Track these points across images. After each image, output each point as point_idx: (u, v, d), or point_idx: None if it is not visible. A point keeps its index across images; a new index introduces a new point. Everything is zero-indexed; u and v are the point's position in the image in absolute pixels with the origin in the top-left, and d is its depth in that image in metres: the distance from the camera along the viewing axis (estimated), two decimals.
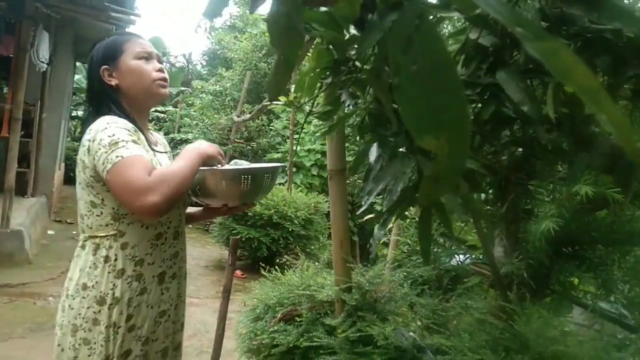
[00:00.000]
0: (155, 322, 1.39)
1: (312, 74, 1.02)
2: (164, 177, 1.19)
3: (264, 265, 3.68)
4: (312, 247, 6.49)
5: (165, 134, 13.43)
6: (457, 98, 0.34)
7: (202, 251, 7.05)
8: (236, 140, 8.72)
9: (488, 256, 2.03)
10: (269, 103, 6.48)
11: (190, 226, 8.55)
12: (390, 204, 0.78)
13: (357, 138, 1.34)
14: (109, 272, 1.31)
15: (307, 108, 1.17)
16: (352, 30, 0.90)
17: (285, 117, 9.75)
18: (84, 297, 1.31)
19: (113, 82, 1.41)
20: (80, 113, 13.88)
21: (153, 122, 13.93)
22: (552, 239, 1.89)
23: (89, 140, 1.28)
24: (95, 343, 1.29)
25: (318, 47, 0.89)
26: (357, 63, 0.91)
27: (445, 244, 2.77)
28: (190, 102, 12.53)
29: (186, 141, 10.22)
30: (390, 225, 3.07)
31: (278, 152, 9.60)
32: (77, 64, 10.98)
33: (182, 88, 15.95)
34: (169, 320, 1.44)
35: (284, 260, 5.73)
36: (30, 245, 5.29)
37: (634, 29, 0.73)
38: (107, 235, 1.32)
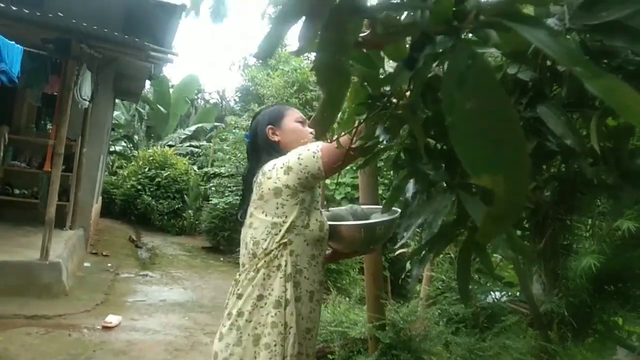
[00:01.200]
0: (303, 336, 1.55)
1: (347, 110, 1.04)
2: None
3: None
4: (343, 282, 6.42)
5: (199, 168, 13.71)
6: (514, 135, 0.34)
7: None
8: None
9: (526, 293, 1.97)
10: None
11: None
12: (430, 238, 0.77)
13: (392, 173, 1.35)
14: (280, 277, 1.51)
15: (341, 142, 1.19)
16: (387, 67, 0.91)
17: None
18: (261, 307, 1.50)
19: (276, 139, 1.71)
20: (118, 148, 14.33)
21: (188, 157, 14.25)
22: (593, 275, 1.83)
23: (282, 165, 1.55)
24: (275, 345, 1.46)
25: (355, 86, 0.91)
26: (393, 99, 0.92)
27: (481, 280, 2.70)
28: (223, 137, 12.81)
29: (219, 175, 10.39)
30: None
31: None
32: (116, 100, 11.41)
33: (216, 123, 16.34)
34: (311, 340, 1.59)
35: None
36: (67, 276, 5.41)
37: None
38: (279, 246, 1.53)
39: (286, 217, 1.54)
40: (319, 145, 1.52)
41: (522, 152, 0.33)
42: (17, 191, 7.00)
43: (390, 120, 0.95)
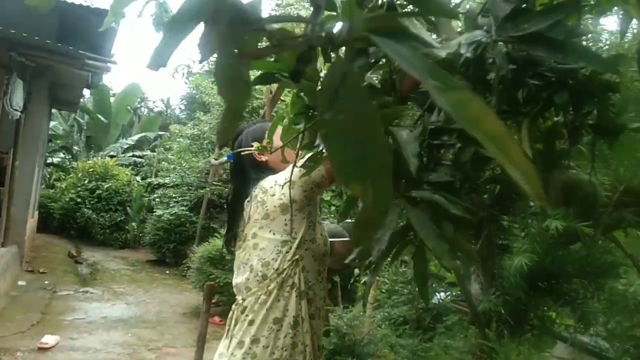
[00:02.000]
0: (317, 354, 1.53)
1: (287, 120, 1.04)
2: None
3: None
4: None
5: (143, 178, 13.30)
6: (379, 147, 0.36)
7: (179, 297, 6.88)
8: (214, 182, 8.69)
9: (465, 293, 2.03)
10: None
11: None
12: (379, 256, 0.78)
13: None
14: (296, 296, 1.47)
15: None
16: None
17: None
18: (278, 330, 1.45)
19: (263, 158, 1.65)
20: (55, 160, 13.70)
21: (131, 167, 13.81)
22: (527, 274, 1.90)
23: (285, 180, 1.49)
24: None
25: (293, 97, 0.91)
26: None
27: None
28: (168, 146, 12.51)
29: (163, 185, 10.12)
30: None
31: None
32: (53, 110, 10.92)
33: (160, 132, 15.94)
34: (320, 358, 1.57)
35: None
36: None
37: (597, 66, 0.79)
38: (291, 264, 1.49)
39: (296, 233, 1.52)
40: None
41: (387, 164, 0.36)
42: None
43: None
